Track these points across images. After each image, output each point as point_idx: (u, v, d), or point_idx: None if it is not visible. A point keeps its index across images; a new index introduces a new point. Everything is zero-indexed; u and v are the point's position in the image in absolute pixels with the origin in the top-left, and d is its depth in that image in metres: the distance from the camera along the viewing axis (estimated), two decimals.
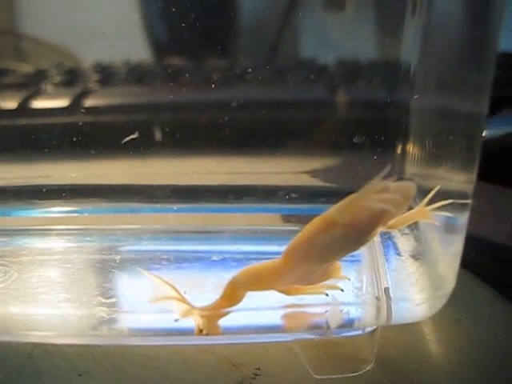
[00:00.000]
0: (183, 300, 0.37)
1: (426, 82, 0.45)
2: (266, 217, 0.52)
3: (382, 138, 0.48)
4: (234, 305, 0.37)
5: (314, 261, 0.36)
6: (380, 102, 0.49)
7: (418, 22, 0.45)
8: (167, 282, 0.38)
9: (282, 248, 0.37)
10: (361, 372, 0.39)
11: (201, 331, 0.36)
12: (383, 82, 0.49)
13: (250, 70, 0.49)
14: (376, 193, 0.33)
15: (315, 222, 0.35)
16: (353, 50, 0.48)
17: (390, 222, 0.37)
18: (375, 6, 0.48)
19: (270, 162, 0.51)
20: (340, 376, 0.38)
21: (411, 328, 0.43)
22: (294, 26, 0.49)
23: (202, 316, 0.36)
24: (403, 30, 0.45)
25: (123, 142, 0.49)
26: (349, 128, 0.49)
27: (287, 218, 0.52)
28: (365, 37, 0.49)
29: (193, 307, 0.37)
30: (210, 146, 0.50)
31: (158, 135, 0.50)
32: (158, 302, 0.37)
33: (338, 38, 0.49)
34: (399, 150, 0.48)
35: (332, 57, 0.49)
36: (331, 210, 0.34)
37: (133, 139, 0.49)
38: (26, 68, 0.52)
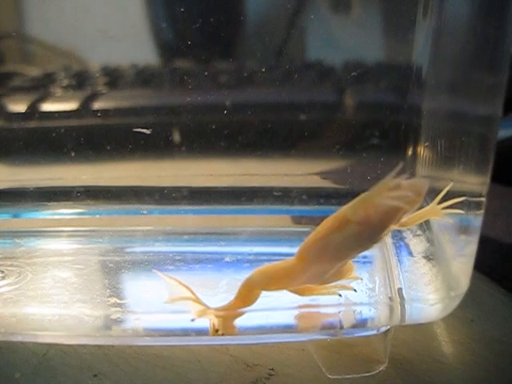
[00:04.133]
0: (198, 301, 0.37)
1: (438, 84, 0.45)
2: (277, 218, 0.52)
3: (393, 140, 0.49)
4: (249, 305, 0.37)
5: (327, 260, 0.36)
6: (391, 104, 0.49)
7: (429, 25, 0.45)
8: (182, 283, 0.38)
9: (293, 249, 0.37)
10: (374, 372, 0.39)
11: (216, 331, 0.36)
12: (394, 84, 0.49)
13: (260, 71, 0.49)
14: (389, 190, 0.33)
15: (328, 221, 0.35)
16: (365, 53, 0.49)
17: (403, 220, 0.37)
18: (387, 8, 0.48)
19: (280, 164, 0.52)
20: (354, 376, 0.38)
21: (424, 329, 0.43)
22: (303, 27, 0.50)
23: (217, 316, 0.37)
24: (415, 32, 0.46)
25: (134, 130, 0.49)
26: (359, 130, 0.49)
27: (298, 220, 0.52)
28: (377, 39, 0.49)
29: (208, 308, 0.37)
30: (221, 148, 0.50)
31: (168, 137, 0.50)
32: (173, 302, 0.37)
33: (350, 41, 0.49)
34: (410, 152, 0.49)
35: (344, 59, 0.49)
36: (344, 209, 0.35)
37: (145, 135, 0.49)
38: (34, 71, 0.52)
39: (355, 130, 0.49)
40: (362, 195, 0.34)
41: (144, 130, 0.49)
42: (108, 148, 0.51)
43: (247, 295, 0.37)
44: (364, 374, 0.38)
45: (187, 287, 0.38)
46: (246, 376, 0.39)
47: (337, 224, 0.35)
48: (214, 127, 0.50)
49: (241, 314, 0.37)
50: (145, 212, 0.52)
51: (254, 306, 0.37)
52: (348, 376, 0.38)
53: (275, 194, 0.51)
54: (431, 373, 0.40)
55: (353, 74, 0.48)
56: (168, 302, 0.37)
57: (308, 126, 0.50)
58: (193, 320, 0.36)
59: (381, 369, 0.39)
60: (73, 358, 0.40)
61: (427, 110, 0.47)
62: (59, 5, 0.48)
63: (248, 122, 0.50)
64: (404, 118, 0.48)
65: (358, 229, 0.34)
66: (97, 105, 0.52)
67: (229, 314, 0.37)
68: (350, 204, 0.34)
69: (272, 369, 0.39)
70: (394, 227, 0.36)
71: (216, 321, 0.37)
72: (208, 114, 0.50)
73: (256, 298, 0.37)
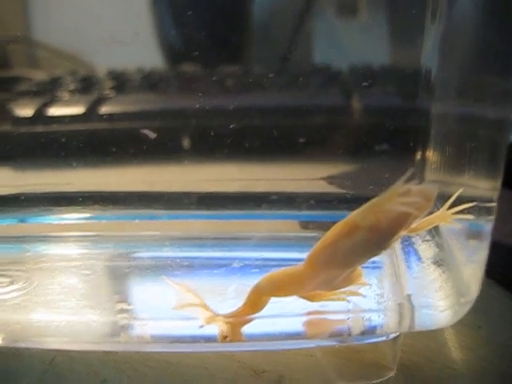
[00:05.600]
0: (207, 307, 0.37)
1: (447, 88, 0.45)
2: (284, 223, 0.52)
3: (402, 145, 0.48)
4: (258, 311, 0.37)
5: (336, 266, 0.36)
6: (400, 109, 0.49)
7: (437, 29, 0.45)
8: (190, 289, 0.38)
9: (301, 255, 0.37)
10: (383, 379, 0.39)
11: (225, 338, 0.36)
12: (403, 89, 0.49)
13: (267, 76, 0.49)
14: (398, 196, 0.33)
15: (338, 227, 0.35)
16: (373, 57, 0.48)
17: (412, 226, 0.37)
18: (395, 13, 0.48)
19: (288, 169, 0.51)
20: (362, 383, 0.38)
21: (432, 335, 0.43)
22: (311, 32, 0.49)
23: (226, 323, 0.36)
24: (423, 37, 0.45)
25: (141, 131, 0.49)
26: (368, 135, 0.49)
27: (305, 225, 0.52)
28: (385, 44, 0.49)
29: (216, 314, 0.37)
30: (228, 153, 0.50)
31: (175, 142, 0.50)
32: (181, 308, 0.37)
33: (358, 46, 0.49)
34: (419, 157, 0.48)
35: (352, 64, 0.49)
36: (354, 214, 0.34)
37: (152, 140, 0.49)
38: (41, 76, 0.52)
39: (363, 135, 0.49)
40: (372, 201, 0.34)
41: (150, 133, 0.49)
42: (115, 153, 0.51)
43: (256, 301, 0.37)
44: (373, 381, 0.38)
45: (195, 293, 0.38)
46: (254, 382, 0.39)
47: (346, 230, 0.34)
48: (221, 132, 0.50)
49: (250, 321, 0.37)
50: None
51: (262, 313, 0.37)
52: (357, 382, 0.38)
53: (283, 199, 0.51)
54: (440, 379, 0.40)
55: (364, 84, 0.48)
56: (176, 309, 0.37)
57: (316, 131, 0.50)
58: (201, 326, 0.36)
59: (390, 375, 0.39)
60: (80, 365, 0.40)
61: (436, 115, 0.47)
62: (66, 9, 0.48)
63: (255, 127, 0.50)
64: (413, 122, 0.48)
65: (368, 235, 0.34)
66: (103, 109, 0.52)
67: (237, 320, 0.37)
68: (360, 210, 0.34)
69: (280, 375, 0.39)
70: (403, 233, 0.36)
71: (225, 327, 0.36)
72: (215, 118, 0.50)
73: (265, 305, 0.37)
